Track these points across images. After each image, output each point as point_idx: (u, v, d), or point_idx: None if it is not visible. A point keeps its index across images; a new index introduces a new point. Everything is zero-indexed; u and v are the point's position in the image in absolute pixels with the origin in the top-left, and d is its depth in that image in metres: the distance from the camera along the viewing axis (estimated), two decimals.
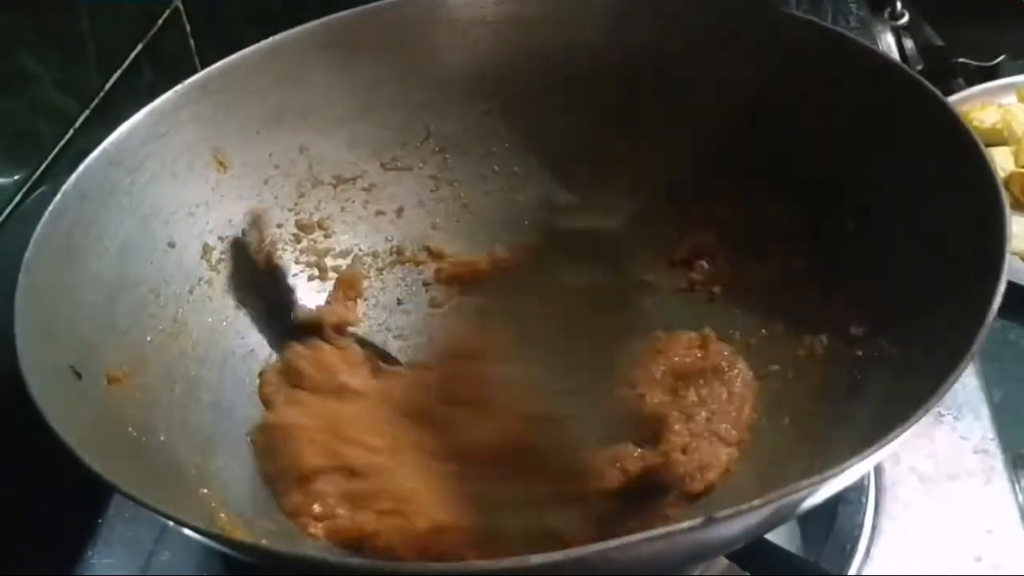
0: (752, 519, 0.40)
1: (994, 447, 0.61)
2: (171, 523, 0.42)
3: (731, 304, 0.64)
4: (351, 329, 0.65)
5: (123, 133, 0.59)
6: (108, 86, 0.68)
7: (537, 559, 0.35)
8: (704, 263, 0.67)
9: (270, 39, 0.65)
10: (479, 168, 0.72)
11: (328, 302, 0.68)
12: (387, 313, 0.70)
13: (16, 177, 0.61)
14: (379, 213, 0.71)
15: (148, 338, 0.57)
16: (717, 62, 0.64)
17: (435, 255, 0.71)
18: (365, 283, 0.70)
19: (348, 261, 0.70)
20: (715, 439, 0.56)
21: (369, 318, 0.69)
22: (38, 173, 0.63)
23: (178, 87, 0.62)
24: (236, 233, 0.65)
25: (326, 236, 0.70)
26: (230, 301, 0.64)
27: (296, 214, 0.69)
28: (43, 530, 0.62)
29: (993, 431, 0.62)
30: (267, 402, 0.61)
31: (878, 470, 0.60)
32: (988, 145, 0.51)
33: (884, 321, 0.54)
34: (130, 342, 0.56)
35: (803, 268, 0.62)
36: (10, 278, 0.50)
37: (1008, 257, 0.46)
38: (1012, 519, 0.58)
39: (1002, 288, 0.45)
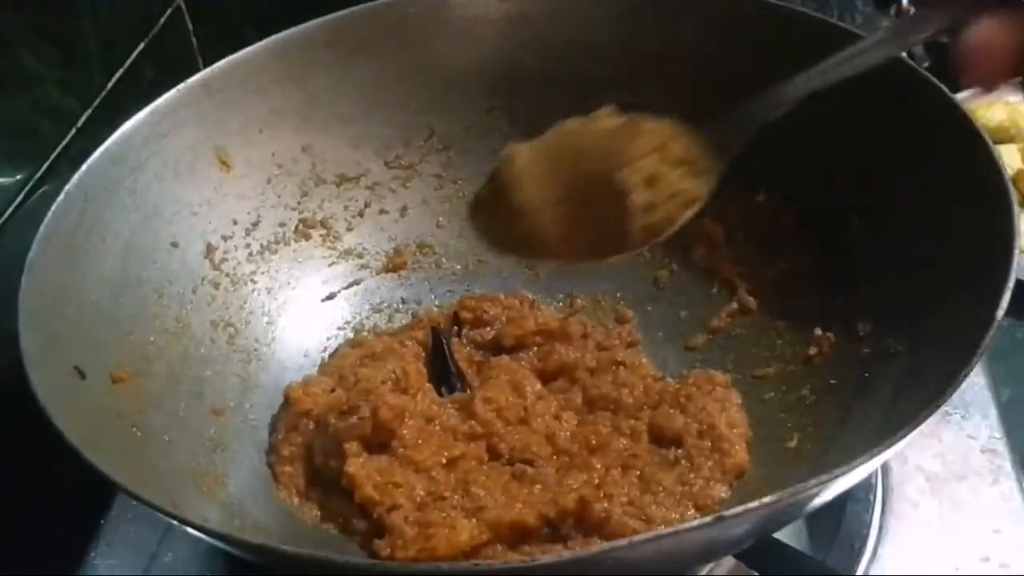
0: (761, 517, 0.39)
1: (1001, 446, 0.61)
2: (176, 523, 0.42)
3: (738, 304, 0.64)
4: None
5: (125, 132, 0.59)
6: (110, 85, 0.68)
7: (545, 559, 0.34)
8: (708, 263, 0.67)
9: (272, 38, 0.65)
10: (482, 166, 0.71)
11: None
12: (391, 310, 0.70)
13: (18, 177, 0.61)
14: (383, 212, 0.71)
15: (152, 338, 0.57)
16: (721, 59, 0.63)
17: (438, 254, 0.71)
18: (368, 282, 0.70)
19: (352, 260, 0.70)
20: None
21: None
22: (40, 172, 0.62)
23: (180, 86, 0.62)
24: (239, 232, 0.65)
25: (330, 235, 0.69)
26: (233, 300, 0.64)
27: (300, 213, 0.68)
28: (46, 530, 0.62)
29: (1000, 430, 0.62)
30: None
31: (885, 469, 0.60)
32: (995, 143, 0.51)
33: (891, 319, 0.54)
34: (134, 342, 0.56)
35: (809, 266, 0.62)
36: (13, 278, 0.50)
37: (1017, 255, 0.46)
38: (1019, 519, 0.57)
39: (1011, 286, 0.44)
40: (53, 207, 0.54)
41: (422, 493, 0.55)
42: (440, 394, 0.61)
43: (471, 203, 0.51)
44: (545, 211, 0.48)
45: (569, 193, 0.47)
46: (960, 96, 0.86)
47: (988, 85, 0.38)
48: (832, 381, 0.57)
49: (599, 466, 0.56)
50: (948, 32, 0.39)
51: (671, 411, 0.58)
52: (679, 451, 0.57)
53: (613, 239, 0.47)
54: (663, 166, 0.46)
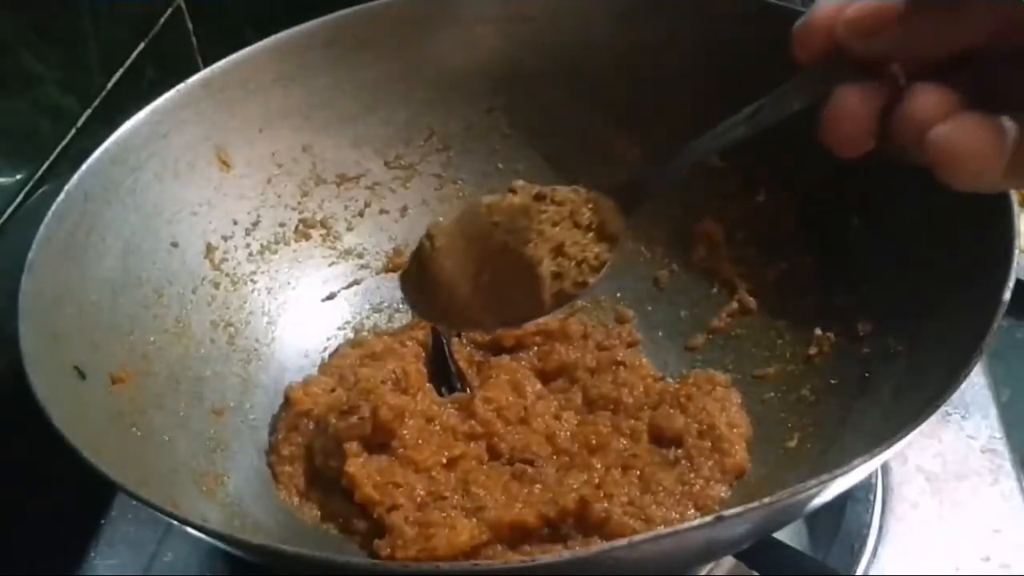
0: (761, 517, 0.39)
1: (1001, 446, 0.61)
2: (176, 523, 0.42)
3: (738, 304, 0.64)
4: None
5: (125, 132, 0.59)
6: (110, 85, 0.68)
7: (545, 559, 0.34)
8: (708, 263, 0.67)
9: (272, 37, 0.65)
10: (483, 166, 0.72)
11: None
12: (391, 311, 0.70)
13: (18, 177, 0.61)
14: (383, 212, 0.71)
15: (152, 338, 0.57)
16: (721, 59, 0.63)
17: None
18: (368, 282, 0.70)
19: (352, 260, 0.70)
20: None
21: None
22: (40, 173, 0.62)
23: (180, 86, 0.62)
24: (239, 232, 0.65)
25: (330, 235, 0.69)
26: (233, 300, 0.64)
27: (300, 213, 0.68)
28: (46, 530, 0.62)
29: (1001, 430, 0.62)
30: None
31: (885, 469, 0.60)
32: None
33: (891, 319, 0.54)
34: (134, 342, 0.56)
35: (809, 266, 0.62)
36: (13, 278, 0.50)
37: (1016, 255, 0.46)
38: (1020, 519, 0.57)
39: (1011, 286, 0.44)
40: (53, 207, 0.54)
41: (422, 493, 0.55)
42: (440, 394, 0.61)
43: (400, 276, 0.54)
44: (463, 285, 0.50)
45: (485, 267, 0.50)
46: None
47: (852, 152, 0.39)
48: (832, 381, 0.57)
49: (599, 466, 0.56)
50: (813, 104, 0.40)
51: (671, 411, 0.59)
52: (679, 451, 0.57)
53: (528, 307, 0.50)
54: (571, 233, 0.49)
